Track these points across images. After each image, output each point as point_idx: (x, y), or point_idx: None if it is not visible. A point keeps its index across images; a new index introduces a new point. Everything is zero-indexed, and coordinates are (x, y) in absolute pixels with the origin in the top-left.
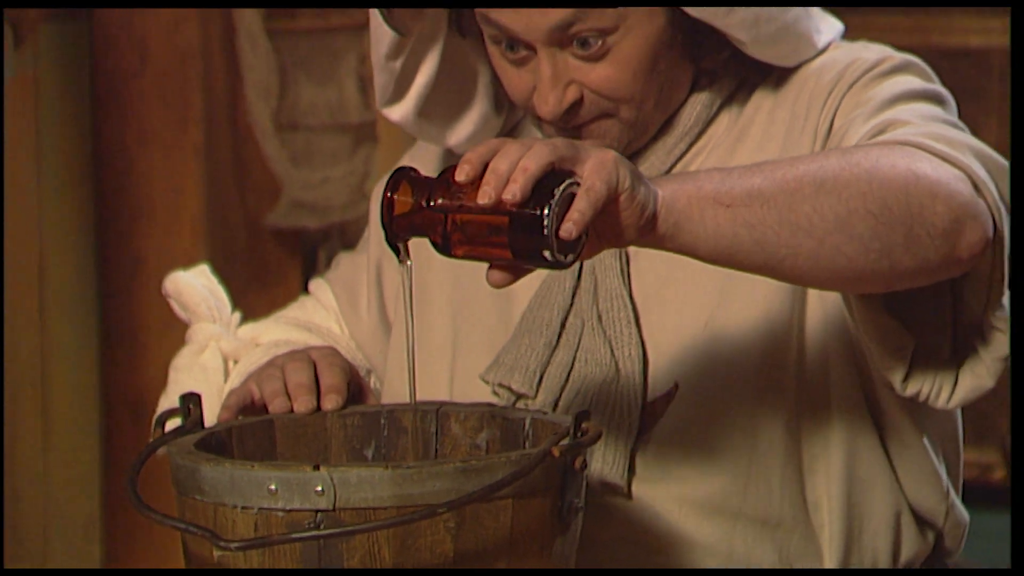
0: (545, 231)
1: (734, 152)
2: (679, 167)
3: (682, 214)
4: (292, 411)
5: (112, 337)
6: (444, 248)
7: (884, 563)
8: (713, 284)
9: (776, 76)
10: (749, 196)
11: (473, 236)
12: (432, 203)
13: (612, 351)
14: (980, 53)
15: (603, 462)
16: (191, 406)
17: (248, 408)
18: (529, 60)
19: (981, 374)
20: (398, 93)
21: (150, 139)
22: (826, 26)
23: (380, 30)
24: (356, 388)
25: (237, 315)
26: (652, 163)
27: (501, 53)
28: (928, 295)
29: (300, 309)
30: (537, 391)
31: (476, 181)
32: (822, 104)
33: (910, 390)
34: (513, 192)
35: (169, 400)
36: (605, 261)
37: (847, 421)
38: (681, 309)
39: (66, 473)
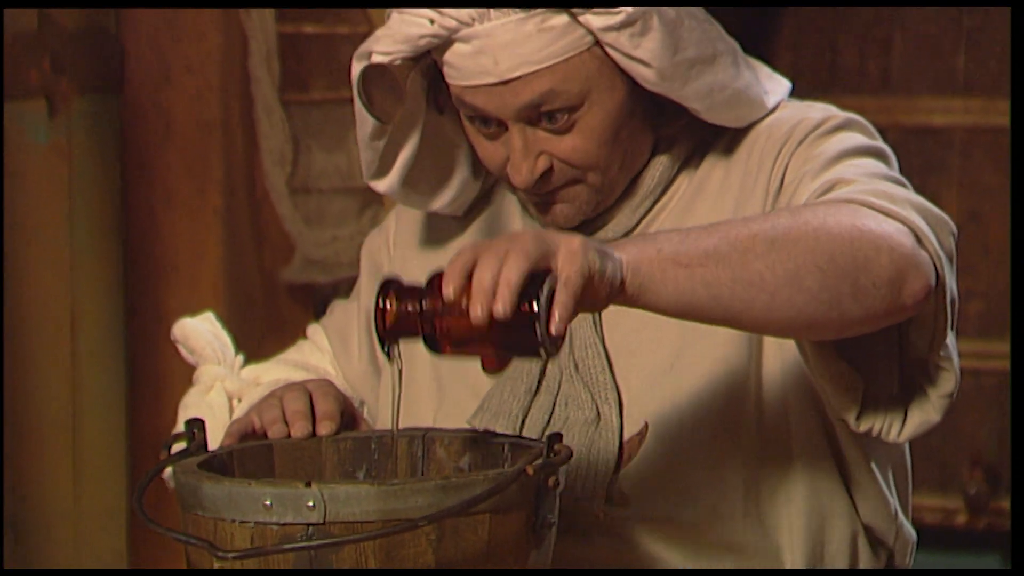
0: (538, 336)
1: (693, 208)
2: (643, 224)
3: (646, 277)
4: (289, 436)
5: (138, 383)
6: (432, 347)
7: None
8: (677, 331)
9: (729, 136)
10: (705, 256)
11: (462, 340)
12: (422, 311)
13: (592, 396)
14: (942, 131)
15: (582, 492)
16: (195, 431)
17: (249, 436)
18: (501, 134)
19: (928, 410)
20: (383, 169)
21: (174, 202)
22: (773, 86)
23: (363, 113)
24: (349, 417)
25: (240, 357)
26: (619, 221)
27: (476, 129)
28: (877, 339)
29: (298, 352)
30: (520, 434)
31: (461, 292)
32: (772, 162)
33: (863, 427)
34: (502, 308)
35: None
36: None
37: (807, 453)
38: (649, 355)
39: (95, 508)
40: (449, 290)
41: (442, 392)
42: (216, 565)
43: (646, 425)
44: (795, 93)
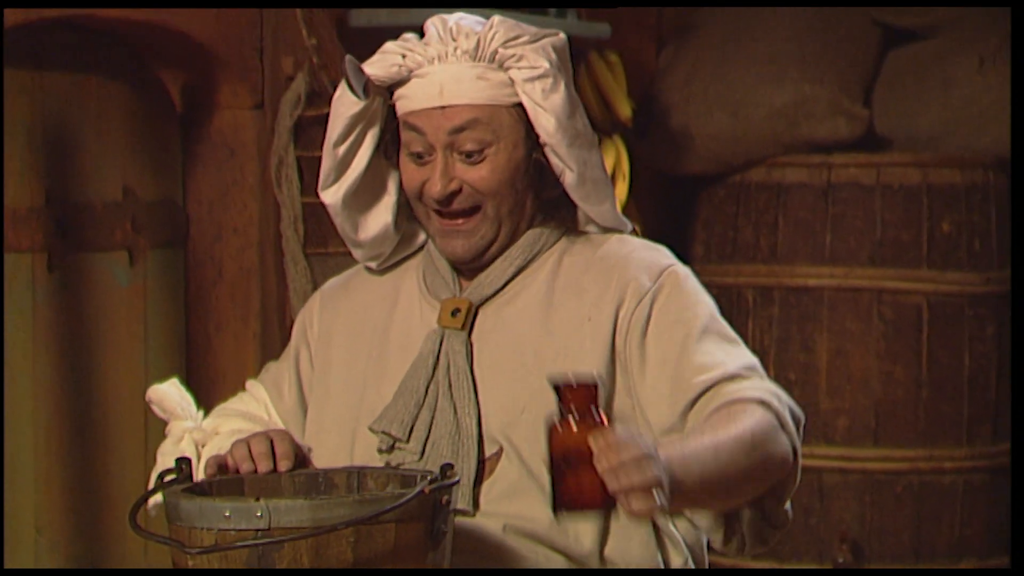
0: None
1: (553, 284)
2: (514, 282)
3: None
4: (256, 472)
5: None
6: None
7: None
8: (533, 377)
9: (592, 244)
10: (710, 495)
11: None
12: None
13: (456, 413)
14: (814, 290)
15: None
16: (184, 466)
17: (224, 468)
18: (428, 163)
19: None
20: (336, 178)
21: (223, 329)
22: (621, 219)
23: (334, 121)
24: (302, 458)
25: (201, 412)
26: (495, 274)
27: (411, 159)
28: None
29: (239, 402)
30: (409, 438)
31: None
32: (635, 302)
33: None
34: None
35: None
36: (455, 347)
37: None
38: (508, 389)
39: (159, 557)
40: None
41: (359, 414)
42: (190, 564)
43: (501, 449)
44: (706, 261)
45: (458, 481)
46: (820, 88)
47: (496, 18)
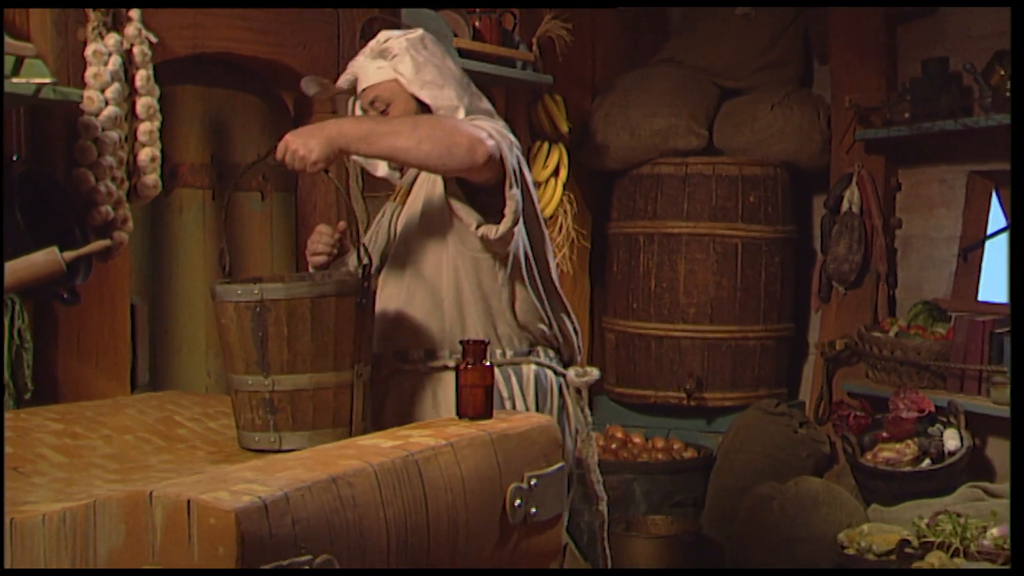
0: None
1: None
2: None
3: (350, 148)
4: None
5: None
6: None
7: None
8: (418, 213)
9: None
10: (380, 136)
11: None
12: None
13: (392, 240)
14: (678, 235)
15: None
16: (229, 270)
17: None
18: (369, 111)
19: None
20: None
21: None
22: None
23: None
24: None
25: None
26: (414, 171)
27: (363, 107)
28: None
29: None
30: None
31: None
32: None
33: (480, 232)
34: None
35: None
36: (396, 211)
37: (482, 281)
38: (407, 237)
39: None
40: None
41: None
42: (222, 321)
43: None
44: (619, 220)
45: (373, 279)
46: (681, 120)
47: (383, 32)
